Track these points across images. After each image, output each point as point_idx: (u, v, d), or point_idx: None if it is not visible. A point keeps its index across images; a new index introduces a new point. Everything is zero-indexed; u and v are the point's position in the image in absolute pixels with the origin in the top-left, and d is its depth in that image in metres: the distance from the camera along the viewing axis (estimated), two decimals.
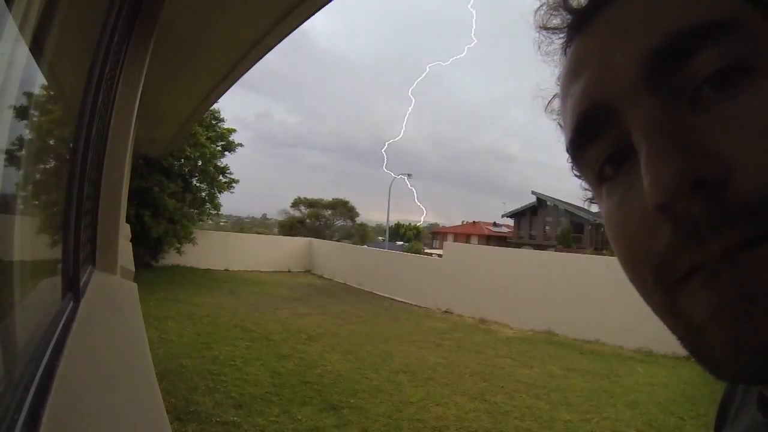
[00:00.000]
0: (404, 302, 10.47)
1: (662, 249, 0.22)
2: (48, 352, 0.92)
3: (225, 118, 12.55)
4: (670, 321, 0.25)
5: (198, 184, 12.19)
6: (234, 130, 12.58)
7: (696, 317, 0.22)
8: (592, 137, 0.26)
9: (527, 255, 11.32)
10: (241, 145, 12.71)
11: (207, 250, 12.75)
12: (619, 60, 0.24)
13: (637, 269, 0.25)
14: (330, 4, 2.42)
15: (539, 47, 0.31)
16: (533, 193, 35.74)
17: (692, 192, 0.21)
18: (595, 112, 0.25)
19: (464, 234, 37.12)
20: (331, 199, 27.93)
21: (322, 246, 15.35)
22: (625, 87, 0.23)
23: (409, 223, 41.70)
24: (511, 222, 38.15)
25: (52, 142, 1.76)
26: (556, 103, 0.31)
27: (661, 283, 0.23)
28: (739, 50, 0.22)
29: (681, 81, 0.23)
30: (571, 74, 0.27)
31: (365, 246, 19.55)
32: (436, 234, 41.15)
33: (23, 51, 0.89)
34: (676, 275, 0.22)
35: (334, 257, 14.21)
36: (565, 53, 0.29)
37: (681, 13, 0.23)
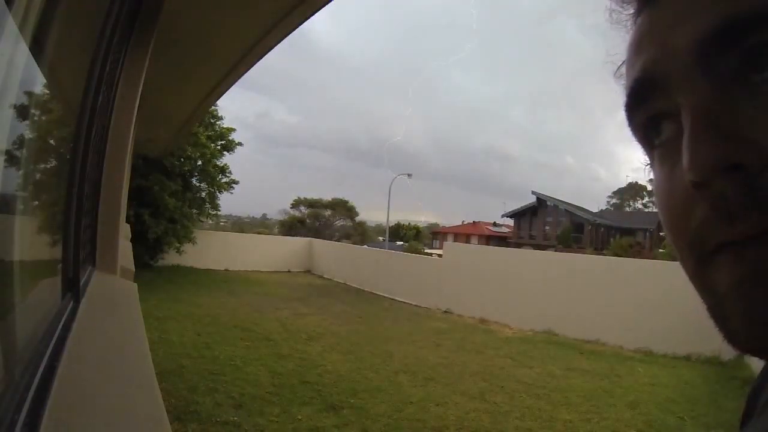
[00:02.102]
0: (404, 302, 10.47)
1: (697, 224, 0.24)
2: (48, 352, 0.92)
3: (224, 116, 12.54)
4: (701, 290, 0.26)
5: (198, 184, 12.19)
6: (233, 129, 12.56)
7: (719, 288, 0.24)
8: (643, 103, 0.28)
9: (527, 255, 11.34)
10: (240, 144, 12.70)
11: (207, 250, 12.74)
12: (677, 40, 0.25)
13: (676, 239, 0.27)
14: (330, 3, 2.43)
15: (611, 14, 0.32)
16: (533, 193, 35.77)
17: (727, 174, 0.22)
18: (650, 85, 0.27)
19: (464, 234, 37.12)
20: (331, 199, 27.94)
21: (322, 246, 15.35)
22: (680, 67, 0.25)
23: (409, 223, 41.68)
24: (511, 222, 38.16)
25: (52, 142, 1.76)
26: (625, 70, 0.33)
27: (694, 255, 0.25)
28: None
29: (732, 66, 0.23)
30: (636, 47, 0.29)
31: (365, 246, 19.55)
32: (436, 234, 41.12)
33: (23, 51, 0.89)
34: (707, 249, 0.24)
35: (334, 257, 14.21)
36: (635, 22, 0.30)
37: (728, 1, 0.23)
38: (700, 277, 0.26)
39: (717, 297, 0.25)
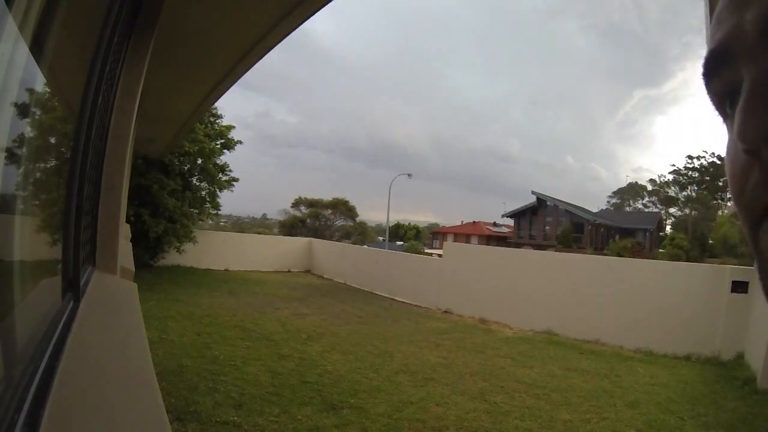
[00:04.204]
0: (404, 302, 10.48)
1: (750, 188, 0.26)
2: (48, 352, 0.92)
3: (223, 115, 12.55)
4: (754, 254, 0.28)
5: (198, 183, 12.19)
6: (233, 127, 12.56)
7: (765, 250, 0.26)
8: (716, 73, 0.30)
9: (527, 255, 11.33)
10: (240, 142, 12.71)
11: (207, 250, 12.75)
12: (748, 15, 0.26)
13: (737, 203, 0.28)
14: (330, 3, 2.43)
15: None
16: (533, 193, 35.78)
17: None
18: (722, 57, 0.29)
19: (464, 234, 37.12)
20: (331, 199, 27.93)
21: (322, 246, 15.36)
22: (747, 41, 0.26)
23: (409, 223, 41.67)
24: (511, 222, 38.17)
25: (53, 140, 1.77)
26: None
27: (748, 220, 0.27)
28: None
29: None
30: (716, 20, 0.30)
31: (365, 246, 19.55)
32: (436, 234, 41.13)
33: (23, 51, 0.89)
34: (757, 214, 0.26)
35: (334, 257, 14.22)
36: None
37: None
38: (752, 239, 0.27)
39: (763, 259, 0.26)
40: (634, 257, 14.94)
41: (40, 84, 1.17)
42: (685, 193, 41.25)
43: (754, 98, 0.25)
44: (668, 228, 40.61)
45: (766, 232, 0.25)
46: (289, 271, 14.41)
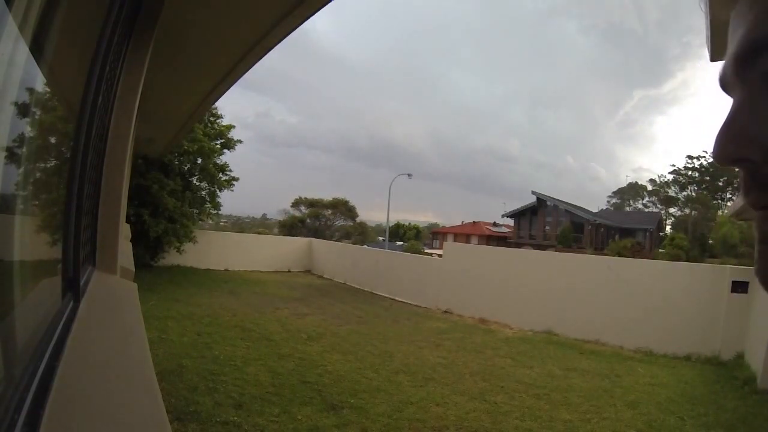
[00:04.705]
0: (404, 302, 10.48)
1: (744, 192, 0.31)
2: (48, 352, 0.92)
3: (223, 115, 12.55)
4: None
5: (198, 183, 12.19)
6: (233, 127, 12.56)
7: (755, 241, 0.31)
8: (726, 94, 0.34)
9: (527, 255, 11.33)
10: (240, 142, 12.71)
11: (207, 250, 12.74)
12: (732, 52, 0.31)
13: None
14: (330, 4, 2.42)
15: None
16: (533, 193, 35.80)
17: (738, 163, 0.29)
18: (724, 86, 0.33)
19: (464, 234, 37.12)
20: (331, 199, 27.94)
21: (322, 246, 15.36)
22: (730, 76, 0.31)
23: (409, 223, 41.67)
24: (511, 222, 38.18)
25: (53, 140, 1.77)
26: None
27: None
28: None
29: (758, 77, 0.29)
30: (728, 47, 0.34)
31: (365, 246, 19.55)
32: (436, 234, 41.13)
33: (23, 51, 0.89)
34: (754, 210, 0.31)
35: (334, 257, 14.22)
36: None
37: (755, 26, 0.29)
38: (753, 233, 0.32)
39: (757, 249, 0.31)
40: (634, 257, 14.94)
41: (40, 84, 1.17)
42: (685, 193, 41.29)
43: (724, 125, 0.29)
44: (668, 228, 40.63)
45: (754, 227, 0.31)
46: (289, 271, 14.41)
